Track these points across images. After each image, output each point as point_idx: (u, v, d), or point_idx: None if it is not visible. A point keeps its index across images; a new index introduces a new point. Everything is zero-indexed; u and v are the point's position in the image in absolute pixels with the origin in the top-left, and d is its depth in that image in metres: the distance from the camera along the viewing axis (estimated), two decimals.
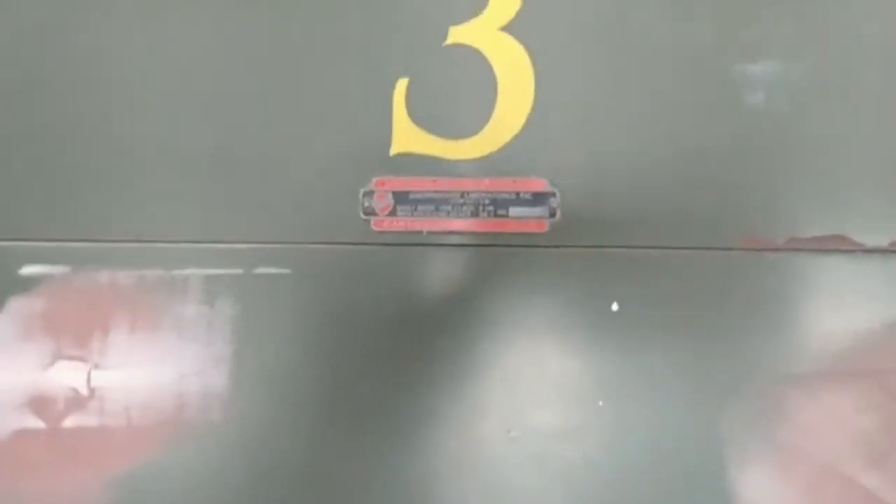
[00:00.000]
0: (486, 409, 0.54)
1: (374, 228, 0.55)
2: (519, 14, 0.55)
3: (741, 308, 0.54)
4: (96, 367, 0.55)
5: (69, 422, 0.55)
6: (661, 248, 0.55)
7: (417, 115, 0.56)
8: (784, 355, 0.53)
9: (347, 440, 0.55)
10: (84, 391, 0.55)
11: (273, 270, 0.55)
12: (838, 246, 0.54)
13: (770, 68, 0.56)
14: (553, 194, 0.55)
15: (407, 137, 0.55)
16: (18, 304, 0.55)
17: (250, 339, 0.55)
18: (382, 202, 0.55)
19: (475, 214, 0.55)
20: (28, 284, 0.55)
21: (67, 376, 0.55)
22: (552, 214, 0.55)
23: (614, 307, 0.55)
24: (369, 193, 0.55)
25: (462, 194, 0.55)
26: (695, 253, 0.55)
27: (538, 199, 0.55)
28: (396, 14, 0.57)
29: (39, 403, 0.55)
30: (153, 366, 0.55)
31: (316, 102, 0.56)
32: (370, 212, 0.55)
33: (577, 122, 0.56)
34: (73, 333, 0.55)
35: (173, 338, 0.55)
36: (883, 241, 0.54)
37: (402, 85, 0.56)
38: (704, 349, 0.54)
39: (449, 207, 0.55)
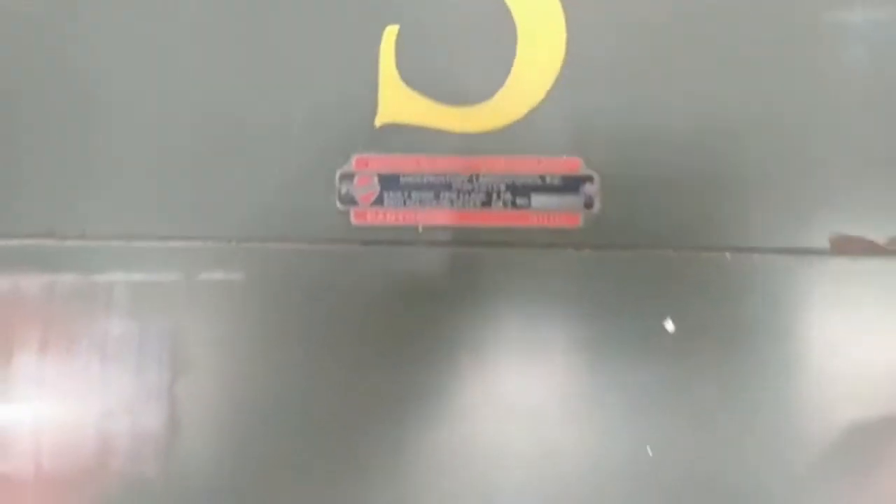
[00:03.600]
0: (505, 451, 0.44)
1: (354, 222, 0.45)
2: None
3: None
4: None
5: None
6: (730, 249, 0.45)
7: (411, 74, 0.46)
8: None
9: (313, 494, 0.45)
10: None
11: (220, 276, 0.46)
12: None
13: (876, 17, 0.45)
14: (590, 178, 0.45)
15: (397, 103, 0.46)
16: None
17: (193, 366, 0.45)
18: (365, 188, 0.45)
19: (487, 204, 0.45)
20: None
21: None
22: (588, 205, 0.45)
23: (669, 326, 0.44)
24: (348, 176, 0.45)
25: (470, 178, 0.45)
26: (777, 258, 0.45)
27: (570, 184, 0.45)
28: None
29: None
30: (69, 400, 0.46)
31: (275, 56, 0.46)
32: (348, 200, 0.45)
33: (624, 82, 0.45)
34: None
35: (94, 363, 0.46)
36: None
37: (390, 34, 0.46)
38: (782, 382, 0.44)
39: (452, 195, 0.45)
